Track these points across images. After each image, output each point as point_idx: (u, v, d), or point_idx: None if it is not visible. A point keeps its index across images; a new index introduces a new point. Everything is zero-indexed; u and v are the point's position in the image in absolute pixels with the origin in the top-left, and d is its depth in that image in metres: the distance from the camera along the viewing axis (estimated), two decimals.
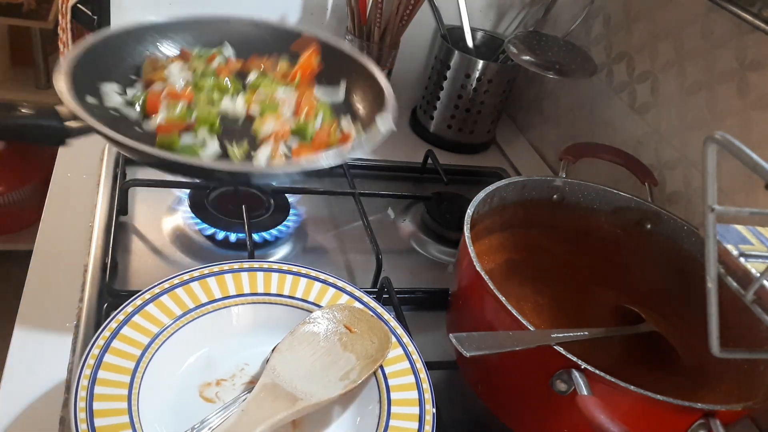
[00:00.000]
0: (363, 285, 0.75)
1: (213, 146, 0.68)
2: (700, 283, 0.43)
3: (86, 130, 0.59)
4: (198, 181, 0.76)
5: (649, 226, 0.73)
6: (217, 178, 0.68)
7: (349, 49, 0.82)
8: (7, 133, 0.57)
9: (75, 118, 0.59)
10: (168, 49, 0.79)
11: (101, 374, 0.50)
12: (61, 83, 0.62)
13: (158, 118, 0.69)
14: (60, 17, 1.06)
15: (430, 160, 0.98)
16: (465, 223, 0.62)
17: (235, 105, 0.74)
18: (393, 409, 0.54)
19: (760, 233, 0.46)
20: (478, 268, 0.57)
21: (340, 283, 0.64)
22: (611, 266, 0.75)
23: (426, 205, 0.91)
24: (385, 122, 0.69)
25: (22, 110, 0.57)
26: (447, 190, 0.94)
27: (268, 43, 0.82)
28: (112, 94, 0.71)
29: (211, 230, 0.78)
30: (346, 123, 0.75)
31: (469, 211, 0.64)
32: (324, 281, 0.64)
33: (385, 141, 0.88)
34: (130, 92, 0.73)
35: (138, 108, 0.71)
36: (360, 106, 0.79)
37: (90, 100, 0.68)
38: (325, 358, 0.57)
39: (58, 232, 0.74)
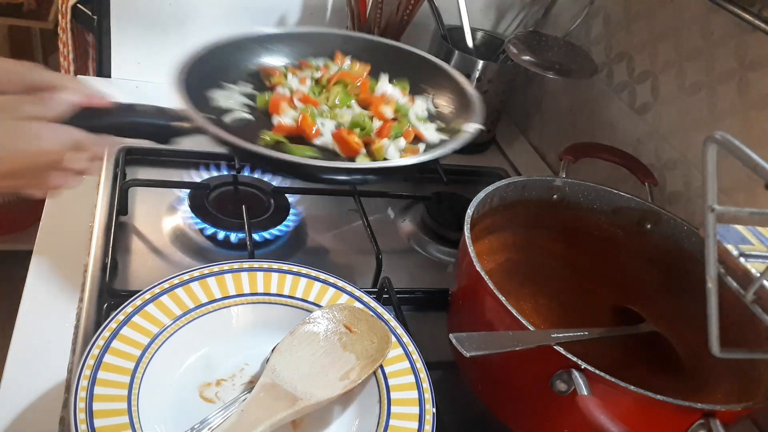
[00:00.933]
0: (363, 285, 0.75)
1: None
2: (700, 283, 0.43)
3: (195, 131, 0.64)
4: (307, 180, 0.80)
5: (649, 226, 0.73)
6: (329, 176, 0.71)
7: (437, 60, 0.86)
8: (125, 130, 0.61)
9: (182, 119, 0.63)
10: (270, 59, 0.84)
11: (101, 374, 0.50)
12: (176, 88, 0.67)
13: (282, 120, 0.73)
14: (60, 17, 1.06)
15: None
16: (465, 223, 0.62)
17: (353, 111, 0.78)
18: (393, 408, 0.54)
19: (760, 233, 0.46)
20: (478, 268, 0.57)
21: (340, 283, 0.64)
22: (611, 266, 0.75)
23: (426, 205, 0.91)
24: (472, 126, 0.74)
25: (139, 109, 0.61)
26: (447, 190, 0.94)
27: (358, 56, 0.87)
28: (222, 97, 0.76)
29: (211, 230, 0.78)
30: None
31: (469, 211, 0.64)
32: (324, 281, 0.64)
33: None
34: (240, 97, 0.78)
35: (254, 108, 0.76)
36: (446, 111, 0.83)
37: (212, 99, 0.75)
38: (325, 358, 0.57)
39: (58, 232, 0.74)
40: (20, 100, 0.53)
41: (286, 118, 0.74)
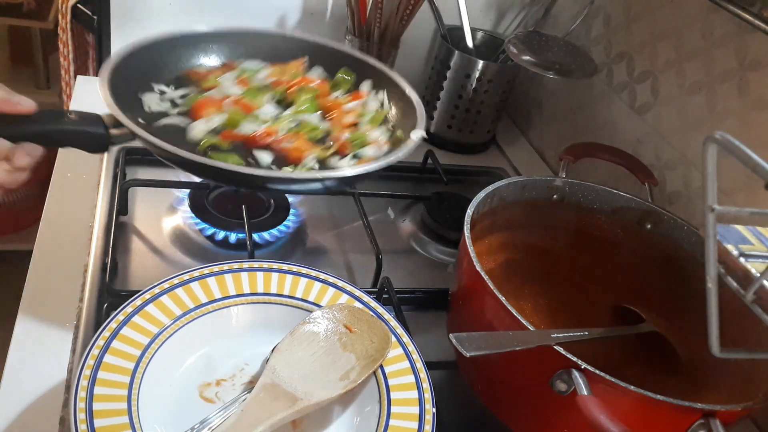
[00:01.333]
0: (363, 285, 0.75)
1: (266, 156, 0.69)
2: (700, 283, 0.43)
3: (129, 138, 0.60)
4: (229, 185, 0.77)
5: (649, 226, 0.73)
6: (258, 185, 0.68)
7: (377, 62, 0.82)
8: (52, 139, 0.57)
9: (118, 125, 0.60)
10: (206, 59, 0.80)
11: (101, 374, 0.50)
12: (104, 91, 0.62)
13: (203, 125, 0.69)
14: (60, 17, 1.06)
15: (430, 160, 0.98)
16: (465, 223, 0.62)
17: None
18: (393, 408, 0.54)
19: (760, 233, 0.46)
20: (478, 268, 0.57)
21: (340, 283, 0.64)
22: (611, 266, 0.75)
23: (426, 205, 0.91)
24: (417, 134, 0.70)
25: (69, 116, 0.58)
26: (447, 190, 0.94)
27: (296, 54, 0.83)
28: (154, 100, 0.72)
29: (211, 230, 0.78)
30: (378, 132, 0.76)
31: (469, 211, 0.64)
32: (324, 281, 0.64)
33: None
34: (170, 97, 0.74)
35: (181, 111, 0.71)
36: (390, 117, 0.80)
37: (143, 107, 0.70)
38: (325, 358, 0.57)
39: (58, 232, 0.74)
40: None
41: (210, 122, 0.70)
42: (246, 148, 0.68)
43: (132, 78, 0.71)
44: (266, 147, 0.69)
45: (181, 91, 0.74)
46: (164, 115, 0.71)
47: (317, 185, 0.67)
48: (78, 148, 0.59)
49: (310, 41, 0.84)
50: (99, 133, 0.59)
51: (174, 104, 0.73)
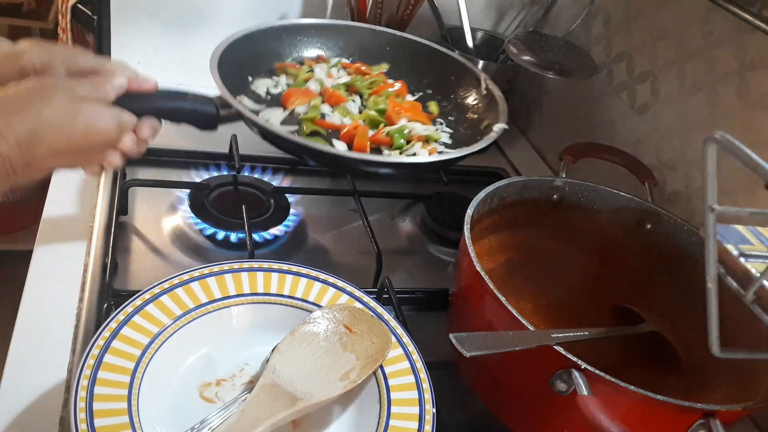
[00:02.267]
0: (363, 285, 0.75)
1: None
2: (700, 283, 0.43)
3: (236, 118, 0.68)
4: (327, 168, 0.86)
5: (649, 226, 0.73)
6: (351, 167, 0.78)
7: (465, 61, 0.91)
8: (170, 115, 0.64)
9: (226, 106, 0.67)
10: (306, 51, 0.91)
11: (101, 374, 0.50)
12: (215, 74, 0.71)
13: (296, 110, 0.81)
14: (60, 17, 1.06)
15: None
16: (465, 223, 0.62)
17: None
18: (393, 409, 0.54)
19: (760, 233, 0.46)
20: (478, 268, 0.57)
21: (340, 283, 0.64)
22: (611, 266, 0.75)
23: (426, 205, 0.91)
24: (500, 126, 0.79)
25: (186, 96, 0.65)
26: (447, 190, 0.94)
27: (385, 52, 0.93)
28: (259, 85, 0.84)
29: (211, 230, 0.78)
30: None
31: (469, 211, 0.64)
32: (324, 281, 0.64)
33: None
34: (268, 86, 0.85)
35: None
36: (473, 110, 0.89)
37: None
38: (325, 358, 0.57)
39: (58, 232, 0.74)
40: (75, 83, 0.56)
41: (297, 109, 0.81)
42: (326, 135, 0.79)
43: (238, 64, 0.80)
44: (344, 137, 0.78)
45: (278, 80, 0.86)
46: (263, 99, 0.82)
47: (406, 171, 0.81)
48: (191, 124, 0.67)
49: (398, 36, 0.93)
50: (210, 112, 0.67)
51: (268, 93, 0.84)
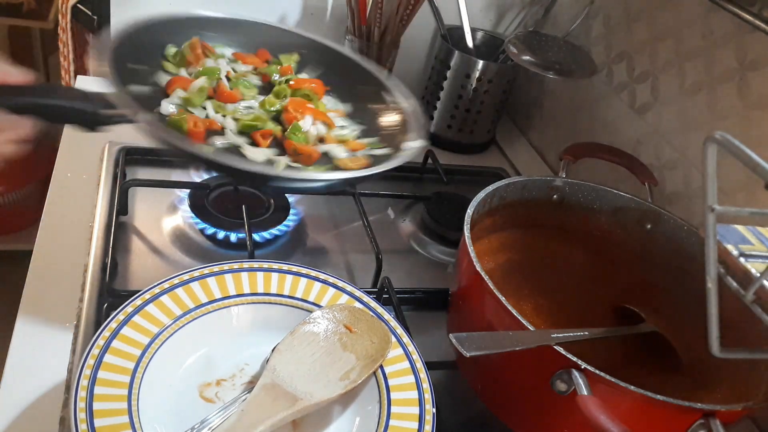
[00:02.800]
0: (363, 285, 0.75)
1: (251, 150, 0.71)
2: (700, 283, 0.43)
3: (119, 120, 0.61)
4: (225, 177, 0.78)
5: (649, 226, 0.73)
6: (245, 177, 0.71)
7: (375, 69, 0.84)
8: (44, 112, 0.58)
9: (109, 106, 0.60)
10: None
11: (101, 374, 0.50)
12: (105, 69, 0.63)
13: (172, 101, 0.73)
14: (60, 17, 1.06)
15: (430, 160, 0.98)
16: (465, 223, 0.62)
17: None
18: (393, 409, 0.54)
19: (760, 233, 0.46)
20: (478, 268, 0.57)
21: (340, 283, 0.64)
22: (611, 266, 0.75)
23: (426, 205, 0.91)
24: (413, 143, 0.72)
25: (63, 93, 0.59)
26: (447, 190, 0.94)
27: (291, 49, 0.86)
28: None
29: (211, 230, 0.78)
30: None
31: (469, 211, 0.64)
32: (324, 281, 0.64)
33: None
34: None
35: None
36: (384, 120, 0.81)
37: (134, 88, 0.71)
38: (325, 358, 0.57)
39: (58, 232, 0.74)
40: None
41: (173, 99, 0.73)
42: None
43: (127, 56, 0.72)
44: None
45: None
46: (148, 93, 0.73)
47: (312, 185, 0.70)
48: (71, 124, 0.60)
49: (307, 38, 0.86)
50: (91, 112, 0.60)
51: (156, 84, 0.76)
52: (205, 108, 0.74)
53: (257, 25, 0.86)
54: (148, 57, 0.77)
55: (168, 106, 0.72)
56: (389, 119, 0.80)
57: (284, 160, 0.71)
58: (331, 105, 0.82)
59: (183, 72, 0.79)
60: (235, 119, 0.74)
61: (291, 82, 0.80)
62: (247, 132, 0.73)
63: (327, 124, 0.77)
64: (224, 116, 0.73)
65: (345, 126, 0.80)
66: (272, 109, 0.76)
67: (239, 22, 0.85)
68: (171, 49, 0.80)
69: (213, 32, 0.83)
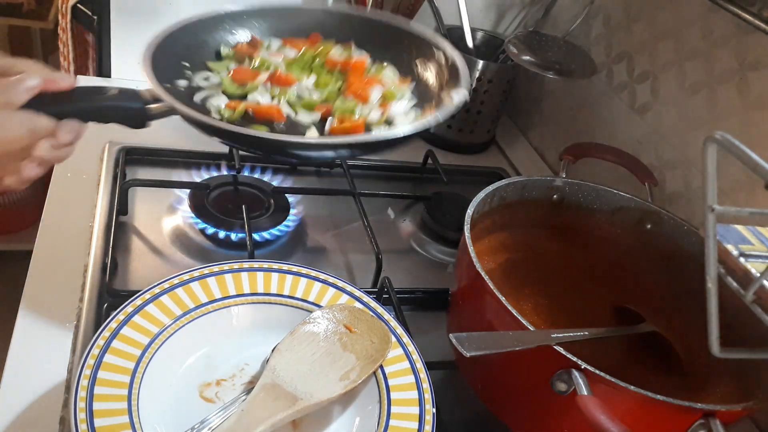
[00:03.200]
0: (363, 285, 0.75)
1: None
2: (700, 283, 0.43)
3: (167, 113, 0.61)
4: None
5: (649, 226, 0.73)
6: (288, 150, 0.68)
7: (420, 29, 0.82)
8: (93, 114, 0.58)
9: (156, 101, 0.60)
10: (243, 36, 0.83)
11: (101, 374, 0.51)
12: (145, 67, 0.64)
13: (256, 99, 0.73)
14: (60, 17, 1.06)
15: (430, 160, 0.98)
16: (465, 223, 0.62)
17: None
18: (393, 409, 0.54)
19: (760, 233, 0.46)
20: (478, 268, 0.56)
21: (340, 283, 0.64)
22: (611, 266, 0.75)
23: (426, 205, 0.91)
24: (459, 95, 0.70)
25: (108, 92, 0.59)
26: (447, 190, 0.94)
27: (339, 30, 0.85)
28: (194, 77, 0.75)
29: (211, 230, 0.78)
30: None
31: (469, 211, 0.64)
32: (324, 281, 0.64)
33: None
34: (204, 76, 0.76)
35: (224, 81, 0.75)
36: (431, 79, 0.80)
37: (178, 83, 0.73)
38: (325, 358, 0.57)
39: (58, 232, 0.74)
40: None
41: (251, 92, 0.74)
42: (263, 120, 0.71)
43: (172, 55, 0.73)
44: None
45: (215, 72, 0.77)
46: (201, 89, 0.74)
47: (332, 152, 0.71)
48: (118, 123, 0.60)
49: (351, 14, 0.87)
50: (137, 108, 0.60)
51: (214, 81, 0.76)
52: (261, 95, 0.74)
53: (297, 11, 0.86)
54: (191, 57, 0.77)
55: (216, 101, 0.73)
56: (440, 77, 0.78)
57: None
58: (394, 77, 0.81)
59: (233, 66, 0.79)
60: (290, 103, 0.74)
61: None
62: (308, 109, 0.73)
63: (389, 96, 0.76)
64: (279, 101, 0.73)
65: (406, 97, 0.78)
66: (329, 89, 0.76)
67: (274, 10, 0.85)
68: (224, 49, 0.81)
69: (257, 23, 0.84)
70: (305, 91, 0.76)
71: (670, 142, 0.86)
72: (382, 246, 0.77)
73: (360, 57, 0.82)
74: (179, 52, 0.76)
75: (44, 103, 0.53)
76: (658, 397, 0.49)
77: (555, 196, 0.75)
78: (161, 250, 0.76)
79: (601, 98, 0.99)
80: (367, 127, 0.71)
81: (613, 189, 0.74)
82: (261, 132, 0.64)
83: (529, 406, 0.57)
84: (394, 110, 0.73)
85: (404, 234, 0.90)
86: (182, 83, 0.75)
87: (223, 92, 0.74)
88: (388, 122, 0.73)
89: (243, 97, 0.74)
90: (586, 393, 0.48)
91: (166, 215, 0.81)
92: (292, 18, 0.85)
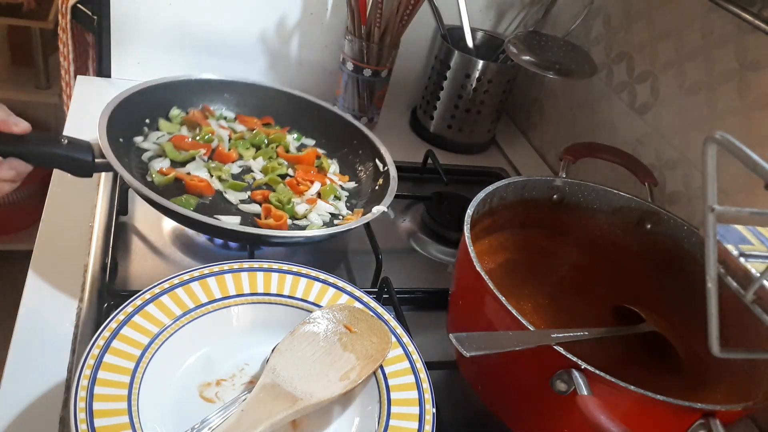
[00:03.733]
0: (363, 285, 0.75)
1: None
2: (700, 283, 0.43)
3: (111, 168, 0.67)
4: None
5: (649, 226, 0.73)
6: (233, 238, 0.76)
7: (367, 130, 0.91)
8: (41, 160, 0.63)
9: (103, 155, 0.67)
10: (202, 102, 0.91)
11: (101, 374, 0.50)
12: (101, 123, 0.70)
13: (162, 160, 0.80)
14: (60, 17, 1.06)
15: (430, 160, 0.98)
16: (465, 223, 0.62)
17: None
18: (393, 408, 0.54)
19: (760, 233, 0.46)
20: (478, 268, 0.56)
21: (340, 283, 0.64)
22: (611, 266, 0.75)
23: (426, 205, 0.91)
24: (378, 209, 0.77)
25: (62, 142, 0.64)
26: (447, 190, 0.94)
27: (289, 112, 0.94)
28: (141, 139, 0.82)
29: None
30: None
31: (469, 211, 0.64)
32: (324, 281, 0.64)
33: (384, 140, 0.89)
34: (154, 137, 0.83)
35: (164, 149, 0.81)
36: (366, 185, 0.88)
37: (134, 139, 0.81)
38: (325, 358, 0.57)
39: (58, 232, 0.74)
40: None
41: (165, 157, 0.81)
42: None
43: (138, 111, 0.81)
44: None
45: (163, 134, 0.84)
46: (147, 150, 0.81)
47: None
48: (64, 170, 0.66)
49: (307, 101, 0.93)
50: (85, 161, 0.66)
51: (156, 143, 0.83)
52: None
53: (264, 89, 0.93)
54: (153, 115, 0.85)
55: (158, 164, 0.79)
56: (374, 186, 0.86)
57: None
58: (336, 171, 0.89)
59: (184, 130, 0.85)
60: (222, 180, 0.80)
61: (300, 152, 0.88)
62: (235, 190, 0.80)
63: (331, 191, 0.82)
64: (212, 176, 0.80)
65: (343, 193, 0.85)
66: (275, 174, 0.82)
67: (243, 85, 0.92)
68: (175, 111, 0.87)
69: (222, 95, 0.91)
70: (245, 169, 0.83)
71: (670, 142, 0.86)
72: (382, 246, 0.77)
73: (310, 148, 0.89)
74: (143, 109, 0.83)
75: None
76: (658, 397, 0.49)
77: (555, 196, 0.75)
78: (161, 250, 0.76)
79: (601, 98, 0.99)
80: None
81: (613, 189, 0.74)
82: (181, 208, 0.67)
83: (529, 406, 0.57)
84: (320, 207, 0.79)
85: (404, 234, 0.90)
86: (138, 139, 0.81)
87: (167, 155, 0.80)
88: (305, 216, 0.78)
89: (183, 163, 0.80)
90: (586, 393, 0.48)
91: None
92: (255, 96, 0.92)
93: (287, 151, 0.88)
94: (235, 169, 0.83)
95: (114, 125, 0.73)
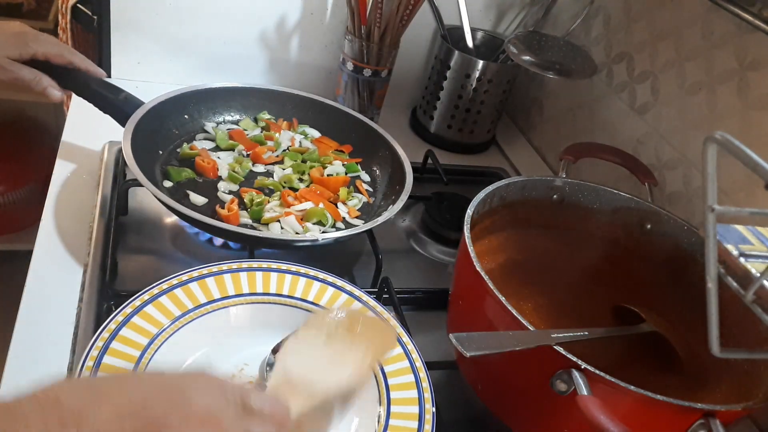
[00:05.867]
0: (363, 285, 0.75)
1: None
2: (700, 283, 0.43)
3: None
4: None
5: (649, 226, 0.73)
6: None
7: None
8: (99, 101, 0.77)
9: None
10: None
11: (101, 375, 0.50)
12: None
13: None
14: (60, 17, 1.06)
15: (430, 160, 0.98)
16: (465, 223, 0.62)
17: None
18: (393, 408, 0.54)
19: (760, 233, 0.46)
20: (478, 268, 0.56)
21: (340, 283, 0.64)
22: (611, 266, 0.75)
23: (426, 205, 0.91)
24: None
25: (120, 95, 0.78)
26: (447, 190, 0.94)
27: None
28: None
29: None
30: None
31: (469, 211, 0.64)
32: (323, 281, 0.64)
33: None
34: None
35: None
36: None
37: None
38: (325, 357, 0.57)
39: (58, 232, 0.74)
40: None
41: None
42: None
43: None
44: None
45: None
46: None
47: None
48: (113, 118, 0.77)
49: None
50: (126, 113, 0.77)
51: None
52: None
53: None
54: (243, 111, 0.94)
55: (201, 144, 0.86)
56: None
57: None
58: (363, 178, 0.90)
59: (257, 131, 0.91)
60: (234, 171, 0.82)
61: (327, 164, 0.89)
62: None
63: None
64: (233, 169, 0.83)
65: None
66: (283, 182, 0.83)
67: (331, 108, 0.95)
68: (265, 114, 0.94)
69: (307, 113, 0.95)
70: (267, 172, 0.85)
71: (670, 142, 0.86)
72: (382, 246, 0.77)
73: (341, 175, 0.88)
74: (238, 104, 0.93)
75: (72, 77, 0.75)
76: (658, 397, 0.49)
77: (555, 196, 0.75)
78: (161, 250, 0.76)
79: (601, 98, 0.99)
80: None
81: (613, 189, 0.74)
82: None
83: (529, 406, 0.57)
84: (288, 221, 0.78)
85: (404, 234, 0.90)
86: (210, 125, 0.90)
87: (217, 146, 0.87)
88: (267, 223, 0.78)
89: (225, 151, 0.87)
90: (586, 393, 0.48)
91: (166, 215, 0.81)
92: (339, 121, 0.95)
93: (322, 174, 0.87)
94: (260, 168, 0.85)
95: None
